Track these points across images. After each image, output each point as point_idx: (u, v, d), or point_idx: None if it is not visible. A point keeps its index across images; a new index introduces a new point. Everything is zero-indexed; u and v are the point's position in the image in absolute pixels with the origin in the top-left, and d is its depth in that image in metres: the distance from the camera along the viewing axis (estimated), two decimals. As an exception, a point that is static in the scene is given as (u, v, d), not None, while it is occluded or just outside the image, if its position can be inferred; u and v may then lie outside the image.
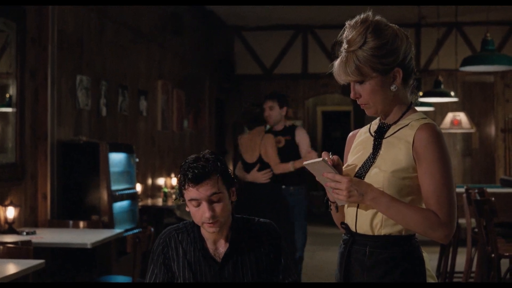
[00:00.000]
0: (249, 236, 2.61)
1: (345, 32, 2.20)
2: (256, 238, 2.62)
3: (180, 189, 2.55)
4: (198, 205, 2.50)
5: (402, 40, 2.17)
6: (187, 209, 2.57)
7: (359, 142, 2.32)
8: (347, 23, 2.21)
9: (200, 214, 2.50)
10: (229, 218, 2.59)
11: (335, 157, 2.17)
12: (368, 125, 2.35)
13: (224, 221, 2.53)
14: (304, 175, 5.93)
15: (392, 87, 2.17)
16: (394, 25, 2.21)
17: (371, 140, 2.27)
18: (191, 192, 2.49)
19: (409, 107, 2.23)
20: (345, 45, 2.18)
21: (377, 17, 2.19)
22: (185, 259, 2.57)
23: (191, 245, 2.58)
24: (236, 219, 2.63)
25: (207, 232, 2.56)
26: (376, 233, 2.16)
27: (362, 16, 2.19)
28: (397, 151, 2.16)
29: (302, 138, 5.95)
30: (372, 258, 2.17)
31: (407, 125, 2.19)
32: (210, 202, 2.49)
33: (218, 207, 2.50)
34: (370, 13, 2.19)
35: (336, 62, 2.21)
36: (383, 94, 2.17)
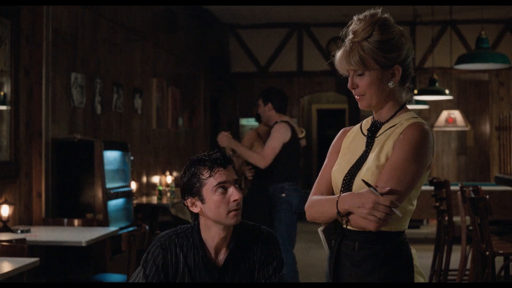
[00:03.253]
0: (250, 244, 2.57)
1: (352, 25, 2.23)
2: (256, 247, 2.57)
3: (195, 181, 2.49)
4: (225, 190, 2.47)
5: (407, 41, 2.22)
6: (195, 209, 2.51)
7: (350, 141, 2.34)
8: (355, 17, 2.24)
9: (227, 200, 2.46)
10: None
11: None
12: (359, 124, 2.37)
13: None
14: (285, 171, 5.70)
15: (390, 84, 2.20)
16: (400, 26, 2.25)
17: (363, 139, 2.29)
18: (220, 176, 2.46)
19: (402, 107, 2.26)
20: (350, 36, 2.21)
21: (386, 15, 2.24)
22: (186, 265, 2.51)
23: (191, 250, 2.53)
24: (238, 225, 2.57)
25: (210, 236, 2.52)
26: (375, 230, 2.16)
27: (371, 11, 2.23)
28: (385, 148, 2.19)
29: (272, 132, 5.66)
30: (361, 253, 2.19)
31: (397, 124, 2.23)
32: (235, 187, 2.49)
33: (241, 192, 2.51)
34: (379, 10, 2.23)
35: (339, 52, 2.24)
36: (379, 88, 2.21)
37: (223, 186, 2.47)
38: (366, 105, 2.26)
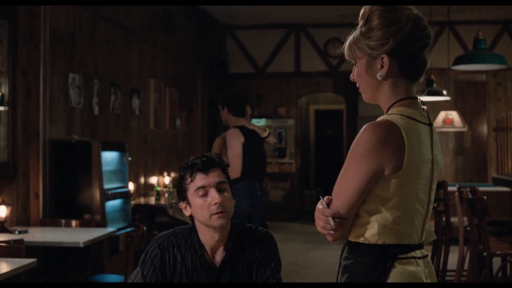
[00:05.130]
0: (247, 245, 2.58)
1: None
2: (253, 248, 2.58)
3: (182, 185, 2.53)
4: (206, 194, 2.49)
5: (403, 28, 1.99)
6: (187, 212, 2.55)
7: None
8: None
9: (208, 203, 2.48)
10: (229, 222, 2.56)
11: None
12: None
13: (230, 214, 2.52)
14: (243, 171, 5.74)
15: (378, 75, 2.02)
16: (413, 13, 2.04)
17: None
18: (199, 180, 2.50)
19: (398, 101, 2.03)
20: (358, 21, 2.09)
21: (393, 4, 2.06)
22: (183, 266, 2.53)
23: (189, 251, 2.54)
24: (235, 226, 2.60)
25: (206, 236, 2.54)
26: (349, 238, 2.06)
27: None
28: None
29: (227, 142, 5.79)
30: (346, 262, 2.08)
31: None
32: (218, 190, 2.50)
33: (225, 195, 2.51)
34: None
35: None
36: (368, 80, 2.06)
37: (203, 190, 2.49)
38: (365, 98, 2.12)
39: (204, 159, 2.52)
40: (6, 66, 5.21)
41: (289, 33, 12.44)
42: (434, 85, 9.45)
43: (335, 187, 2.00)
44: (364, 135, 1.93)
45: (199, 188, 2.50)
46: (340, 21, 11.52)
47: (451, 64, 8.02)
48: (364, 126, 1.97)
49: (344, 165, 1.98)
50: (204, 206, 2.49)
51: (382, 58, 2.01)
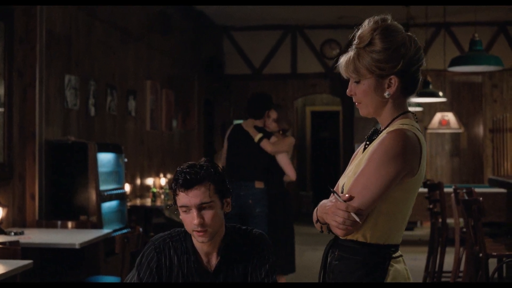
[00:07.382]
0: (241, 248, 2.57)
1: (359, 30, 2.19)
2: (248, 251, 2.58)
3: (173, 194, 2.54)
4: (188, 211, 2.49)
5: (408, 50, 2.13)
6: (180, 216, 2.55)
7: (357, 151, 2.32)
8: (366, 20, 2.19)
9: (189, 220, 2.48)
10: (222, 229, 2.55)
11: None
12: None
13: (214, 231, 2.50)
14: (232, 168, 5.93)
15: (386, 94, 2.15)
16: (409, 34, 2.18)
17: (363, 146, 2.27)
18: (181, 198, 2.48)
19: (403, 114, 2.19)
20: (355, 41, 2.18)
21: (390, 22, 2.17)
22: (180, 269, 2.53)
23: (185, 255, 2.55)
24: (229, 230, 2.59)
25: (198, 242, 2.53)
26: (346, 237, 2.14)
27: (379, 16, 2.18)
28: (366, 155, 2.14)
29: None
30: (337, 262, 2.16)
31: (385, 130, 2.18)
32: (200, 209, 2.47)
33: (207, 214, 2.47)
34: (388, 17, 2.18)
35: (342, 57, 2.21)
36: (375, 98, 2.16)
37: (185, 208, 2.50)
38: (365, 114, 2.22)
39: (188, 176, 2.47)
40: (2, 67, 5.20)
41: (285, 34, 12.44)
42: (430, 86, 9.47)
43: (356, 186, 2.09)
44: (394, 140, 2.08)
45: (181, 206, 2.50)
46: (337, 22, 11.53)
47: (447, 66, 8.02)
48: (391, 133, 2.11)
49: (367, 166, 2.09)
50: (187, 221, 2.51)
51: (391, 79, 2.14)
